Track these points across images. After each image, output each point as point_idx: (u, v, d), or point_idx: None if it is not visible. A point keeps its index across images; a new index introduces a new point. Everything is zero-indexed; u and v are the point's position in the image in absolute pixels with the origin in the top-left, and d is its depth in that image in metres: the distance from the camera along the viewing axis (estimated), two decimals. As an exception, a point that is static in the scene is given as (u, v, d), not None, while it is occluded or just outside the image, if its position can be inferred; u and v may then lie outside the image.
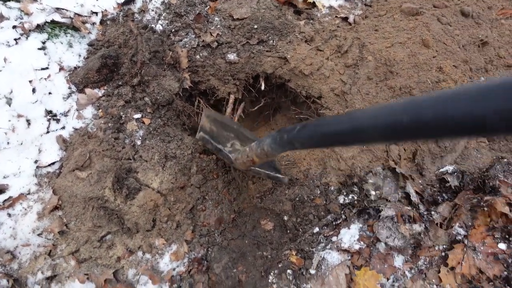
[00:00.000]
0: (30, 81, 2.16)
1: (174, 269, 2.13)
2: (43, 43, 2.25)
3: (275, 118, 2.96)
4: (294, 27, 2.52)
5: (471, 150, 2.31)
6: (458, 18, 2.54)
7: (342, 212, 2.24)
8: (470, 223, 2.22)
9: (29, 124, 2.14)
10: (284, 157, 2.49)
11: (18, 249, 2.04)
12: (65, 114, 2.29)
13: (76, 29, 2.35)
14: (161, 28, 2.42)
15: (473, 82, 2.39)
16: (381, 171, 2.28)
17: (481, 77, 2.42)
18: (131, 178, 2.22)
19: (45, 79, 2.28)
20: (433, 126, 0.69)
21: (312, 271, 2.13)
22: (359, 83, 2.39)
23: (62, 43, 2.30)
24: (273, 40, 2.48)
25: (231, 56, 2.45)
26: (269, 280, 2.15)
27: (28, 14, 2.33)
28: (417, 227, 2.18)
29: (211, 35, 2.41)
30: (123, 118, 2.35)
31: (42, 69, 2.23)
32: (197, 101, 2.56)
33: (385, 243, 2.14)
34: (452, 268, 2.15)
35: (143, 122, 2.37)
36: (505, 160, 2.28)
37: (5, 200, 2.00)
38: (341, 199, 2.26)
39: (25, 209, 2.04)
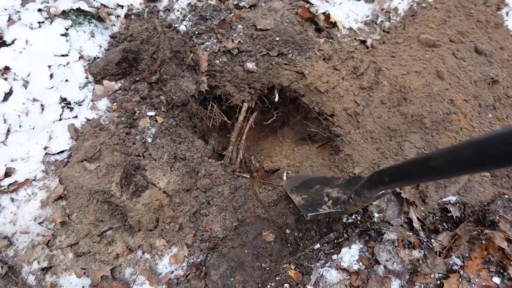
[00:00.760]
0: (49, 66, 2.10)
1: (172, 272, 2.06)
2: (66, 29, 2.19)
3: (282, 130, 2.93)
4: (314, 43, 2.51)
5: (474, 183, 2.32)
6: (472, 54, 2.57)
7: (344, 231, 2.22)
8: (467, 254, 2.21)
9: (43, 109, 2.07)
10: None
11: (16, 236, 1.95)
12: (79, 104, 2.23)
13: (100, 19, 2.30)
14: (184, 29, 2.39)
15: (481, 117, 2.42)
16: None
17: (488, 114, 2.45)
18: (139, 175, 2.16)
19: (64, 65, 2.22)
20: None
21: (310, 287, 2.10)
22: (372, 106, 2.38)
23: (84, 32, 2.25)
24: (292, 54, 2.47)
25: (250, 65, 2.42)
26: (266, 292, 2.11)
27: (53, -1, 2.27)
28: (416, 253, 2.16)
29: (233, 41, 2.39)
30: (136, 114, 2.29)
31: (62, 55, 2.17)
32: (210, 105, 2.52)
33: (384, 266, 2.12)
34: (446, 298, 2.14)
35: (156, 120, 2.32)
36: (506, 196, 2.29)
37: (10, 184, 1.92)
38: (344, 218, 2.24)
39: (29, 196, 1.96)
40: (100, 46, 2.29)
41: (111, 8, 2.31)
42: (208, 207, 2.24)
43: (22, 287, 1.91)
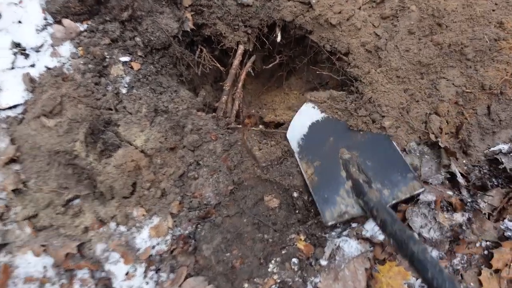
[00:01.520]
0: (-7, 3, 1.68)
1: (153, 247, 1.66)
2: (13, -43, 1.75)
3: (289, 81, 2.45)
4: (321, -34, 1.99)
5: (531, 128, 1.79)
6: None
7: (366, 192, 1.75)
8: (524, 218, 1.71)
9: (-14, 54, 1.66)
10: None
11: (-38, 207, 1.58)
12: (37, 50, 1.81)
13: None
14: (160, -47, 1.91)
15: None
16: (416, 146, 1.77)
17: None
18: (110, 132, 1.73)
19: (15, 4, 1.79)
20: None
21: (323, 262, 1.65)
22: (397, 38, 1.86)
23: (37, -40, 1.81)
24: (295, -19, 1.96)
25: (244, -3, 1.93)
26: (269, 269, 1.67)
27: None
28: (459, 217, 1.68)
29: (221, -33, 1.90)
30: (107, 60, 1.85)
31: (10, -11, 1.74)
32: (199, 49, 2.05)
33: (419, 234, 1.65)
34: (497, 271, 1.65)
35: (131, 67, 1.87)
36: None
37: None
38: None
39: (-28, 158, 1.57)
40: (59, -21, 1.85)
41: None
42: (197, 168, 1.81)
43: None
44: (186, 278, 1.63)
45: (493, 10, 1.83)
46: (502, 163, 1.68)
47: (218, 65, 2.07)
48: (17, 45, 1.77)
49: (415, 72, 1.83)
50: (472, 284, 1.66)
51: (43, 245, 1.58)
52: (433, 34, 1.82)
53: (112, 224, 1.67)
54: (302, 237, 1.72)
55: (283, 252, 1.71)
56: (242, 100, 2.03)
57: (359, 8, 1.97)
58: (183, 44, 2.02)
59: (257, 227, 1.76)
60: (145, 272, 1.63)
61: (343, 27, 1.94)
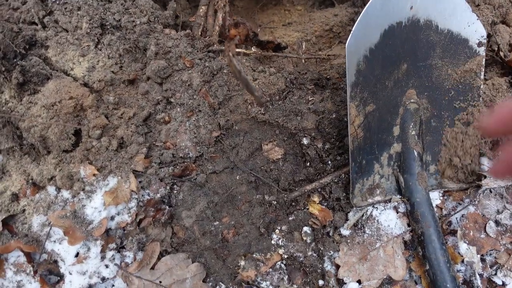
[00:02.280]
0: None
1: (111, 219, 1.18)
2: None
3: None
4: None
5: None
6: None
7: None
8: None
9: None
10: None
11: None
12: None
13: None
14: None
15: None
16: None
17: None
18: (35, 56, 1.17)
19: None
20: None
21: (345, 231, 1.20)
22: None
23: None
24: None
25: None
26: (272, 241, 1.23)
27: None
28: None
29: None
30: (24, -51, 1.24)
31: None
32: None
33: (496, 221, 1.19)
34: None
35: (63, -38, 1.27)
36: None
37: None
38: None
39: None
40: None
41: None
42: (168, 108, 1.28)
43: None
44: (160, 256, 1.18)
45: None
46: None
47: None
48: None
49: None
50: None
51: None
52: None
53: (51, 189, 1.18)
54: (316, 199, 1.26)
55: (290, 218, 1.25)
56: (227, 11, 1.44)
57: None
58: None
59: (255, 186, 1.28)
60: (102, 252, 1.16)
61: None
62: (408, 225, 1.20)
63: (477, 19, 1.15)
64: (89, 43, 1.22)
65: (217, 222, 1.24)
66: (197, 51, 1.30)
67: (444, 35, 1.13)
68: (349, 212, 1.21)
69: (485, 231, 1.18)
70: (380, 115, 1.16)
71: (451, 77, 1.19)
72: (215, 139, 1.27)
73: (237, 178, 1.28)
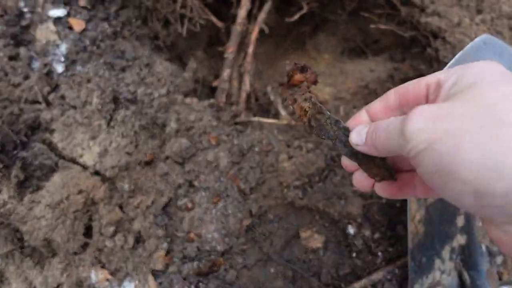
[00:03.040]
0: None
1: (127, 332, 1.00)
2: None
3: (315, 40, 1.68)
4: None
5: None
6: None
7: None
8: None
9: None
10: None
11: None
12: None
13: None
14: None
15: None
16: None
17: None
18: (38, 143, 1.00)
19: None
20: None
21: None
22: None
23: None
24: None
25: None
26: None
27: None
28: None
29: None
30: (26, 16, 1.08)
31: None
32: (182, -6, 1.26)
33: None
34: None
35: (70, 27, 1.10)
36: None
37: None
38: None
39: None
40: None
41: None
42: (192, 192, 1.10)
43: None
44: None
45: None
46: None
47: (214, 19, 1.29)
48: None
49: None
50: None
51: None
52: None
53: (57, 298, 1.00)
54: (366, 298, 1.08)
55: (335, 321, 1.07)
56: (253, 74, 1.28)
57: None
58: (156, -14, 1.22)
59: (292, 281, 1.09)
60: None
61: None
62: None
63: None
64: (100, 121, 1.05)
65: (250, 326, 1.06)
66: (223, 125, 1.13)
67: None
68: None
69: None
70: (442, 206, 0.99)
71: None
72: (246, 228, 1.09)
73: (272, 271, 1.10)
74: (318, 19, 1.67)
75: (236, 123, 1.16)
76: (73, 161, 1.02)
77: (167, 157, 1.11)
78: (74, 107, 1.06)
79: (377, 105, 0.52)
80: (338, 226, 1.11)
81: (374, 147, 0.46)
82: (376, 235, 1.09)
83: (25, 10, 1.07)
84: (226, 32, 1.40)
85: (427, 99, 0.45)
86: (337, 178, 1.10)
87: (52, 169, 0.97)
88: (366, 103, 1.48)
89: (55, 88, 1.06)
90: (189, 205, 1.10)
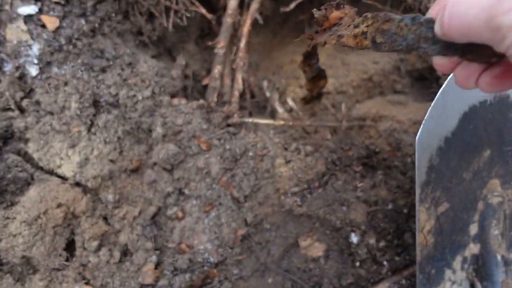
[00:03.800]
0: None
1: None
2: None
3: (314, 27, 1.57)
4: None
5: None
6: None
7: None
8: None
9: None
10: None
11: None
12: None
13: None
14: None
15: None
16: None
17: None
18: (11, 154, 0.91)
19: None
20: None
21: None
22: None
23: None
24: None
25: None
26: None
27: None
28: None
29: None
30: (-5, 14, 0.98)
31: None
32: (167, -16, 1.15)
33: None
34: None
35: (43, 26, 1.01)
36: None
37: None
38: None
39: None
40: None
41: None
42: (182, 201, 1.02)
43: None
44: None
45: None
46: None
47: (203, 10, 1.18)
48: None
49: None
50: None
51: None
52: None
53: (40, 318, 0.93)
54: (371, 310, 1.00)
55: (338, 336, 0.99)
56: (247, 69, 1.18)
57: None
58: (138, -25, 1.11)
59: (291, 292, 1.02)
60: None
61: None
62: None
63: None
64: (80, 128, 0.96)
65: None
66: (214, 127, 1.03)
67: (541, 111, 0.86)
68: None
69: None
70: (455, 214, 0.90)
71: None
72: (241, 237, 1.01)
73: (269, 282, 1.02)
74: (317, 6, 1.54)
75: (228, 125, 1.06)
76: (51, 172, 0.93)
77: (154, 164, 1.02)
78: (51, 113, 0.97)
79: None
80: (340, 233, 1.02)
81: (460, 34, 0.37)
82: (382, 243, 1.00)
83: (-7, 7, 0.97)
84: (218, 23, 1.29)
85: None
86: (338, 183, 1.01)
87: (28, 182, 0.89)
88: (370, 97, 1.38)
89: (29, 93, 0.97)
90: (180, 214, 1.02)
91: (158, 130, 0.99)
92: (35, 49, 0.98)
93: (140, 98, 1.00)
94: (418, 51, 0.45)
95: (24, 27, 0.98)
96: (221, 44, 1.13)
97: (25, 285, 0.94)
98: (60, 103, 0.97)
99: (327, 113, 1.20)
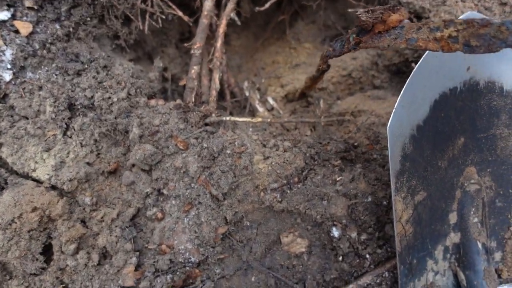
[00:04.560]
0: None
1: None
2: None
3: (294, 28, 1.56)
4: None
5: None
6: None
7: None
8: None
9: None
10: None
11: None
12: None
13: None
14: None
15: None
16: None
17: None
18: (-16, 159, 0.90)
19: None
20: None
21: None
22: None
23: None
24: None
25: None
26: None
27: None
28: None
29: None
30: (-33, 21, 0.97)
31: None
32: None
33: None
34: None
35: (17, 31, 1.00)
36: None
37: None
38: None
39: None
40: None
41: None
42: (161, 201, 1.01)
43: None
44: None
45: None
46: None
47: (179, 13, 1.18)
48: None
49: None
50: None
51: None
52: None
53: (18, 325, 0.91)
54: (354, 305, 0.98)
55: (322, 333, 0.97)
56: (225, 69, 1.17)
57: None
58: (112, -21, 1.11)
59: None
60: None
61: None
62: None
63: None
64: (55, 131, 0.95)
65: None
66: (192, 127, 1.02)
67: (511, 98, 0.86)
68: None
69: None
70: (432, 203, 0.89)
71: None
72: (222, 236, 0.99)
73: (252, 280, 1.00)
74: (296, 6, 1.55)
75: (206, 124, 1.05)
76: (26, 176, 0.92)
77: (132, 165, 1.01)
78: (25, 118, 0.96)
79: None
80: (321, 228, 1.01)
81: None
82: (363, 237, 0.99)
83: (-35, 14, 0.97)
84: (197, 26, 1.29)
85: None
86: (317, 178, 1.00)
87: (1, 187, 0.88)
88: (350, 93, 1.37)
89: (3, 98, 0.96)
90: (159, 215, 1.00)
91: (135, 131, 0.98)
92: (8, 54, 0.97)
93: (115, 99, 0.99)
94: None
95: (-3, 32, 0.98)
96: (197, 45, 1.13)
97: (2, 292, 0.92)
98: (35, 107, 0.96)
99: (308, 110, 1.20)
